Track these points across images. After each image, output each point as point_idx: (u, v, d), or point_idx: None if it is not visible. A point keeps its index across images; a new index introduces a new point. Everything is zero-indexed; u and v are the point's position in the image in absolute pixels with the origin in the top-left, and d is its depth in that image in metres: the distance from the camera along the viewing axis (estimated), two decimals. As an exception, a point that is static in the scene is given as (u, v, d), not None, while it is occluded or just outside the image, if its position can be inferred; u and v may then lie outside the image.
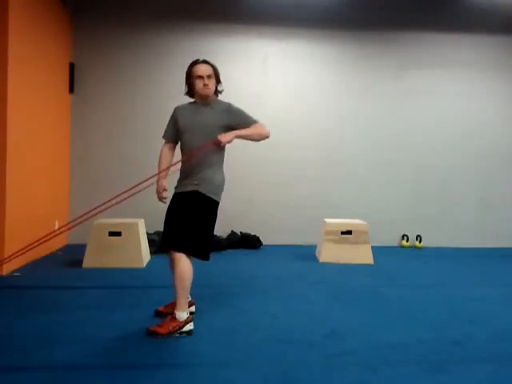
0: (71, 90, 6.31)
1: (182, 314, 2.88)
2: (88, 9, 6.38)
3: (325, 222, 5.62)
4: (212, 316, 3.27)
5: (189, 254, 2.92)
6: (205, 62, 3.09)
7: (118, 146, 6.44)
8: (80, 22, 6.37)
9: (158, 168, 3.22)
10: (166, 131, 3.26)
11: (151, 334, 2.83)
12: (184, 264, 2.89)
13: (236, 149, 6.56)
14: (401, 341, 2.85)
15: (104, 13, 6.41)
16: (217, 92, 3.17)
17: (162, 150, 3.26)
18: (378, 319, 3.29)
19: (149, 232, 5.76)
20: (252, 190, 6.65)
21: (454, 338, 2.91)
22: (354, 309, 3.55)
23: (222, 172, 3.15)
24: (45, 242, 2.92)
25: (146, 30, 6.49)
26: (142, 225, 5.19)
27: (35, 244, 3.11)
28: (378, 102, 6.86)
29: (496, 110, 7.00)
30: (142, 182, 3.09)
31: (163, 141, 3.27)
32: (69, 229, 3.39)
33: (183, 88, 3.19)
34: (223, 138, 2.96)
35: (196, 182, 3.01)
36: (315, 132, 6.77)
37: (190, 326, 2.90)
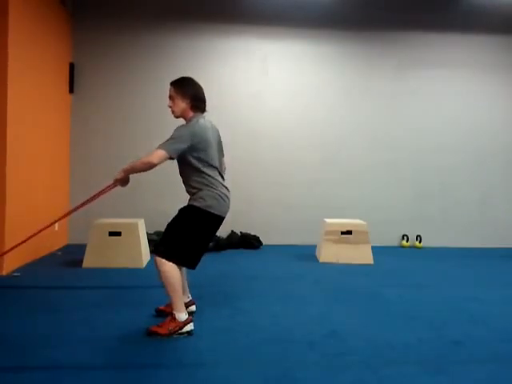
0: (71, 90, 6.31)
1: (182, 315, 2.88)
2: (88, 9, 6.38)
3: (325, 221, 5.62)
4: (212, 316, 3.27)
5: (167, 259, 2.87)
6: (170, 83, 3.09)
7: (118, 146, 6.44)
8: (80, 22, 6.37)
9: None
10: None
11: (151, 334, 2.83)
12: (165, 266, 2.86)
13: (236, 149, 6.62)
14: (401, 341, 2.85)
15: (104, 13, 6.41)
16: (193, 107, 3.05)
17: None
18: (378, 319, 3.29)
19: (149, 232, 5.76)
20: (252, 190, 6.65)
21: (453, 338, 2.91)
22: (353, 309, 3.55)
23: (216, 190, 2.96)
24: (44, 229, 2.90)
25: (146, 30, 6.48)
26: (142, 225, 5.19)
27: (35, 233, 3.14)
28: (378, 101, 6.86)
29: (496, 109, 7.00)
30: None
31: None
32: (67, 215, 3.39)
33: None
34: (116, 176, 2.97)
35: (190, 198, 3.03)
36: (315, 132, 6.77)
37: (189, 327, 2.89)
